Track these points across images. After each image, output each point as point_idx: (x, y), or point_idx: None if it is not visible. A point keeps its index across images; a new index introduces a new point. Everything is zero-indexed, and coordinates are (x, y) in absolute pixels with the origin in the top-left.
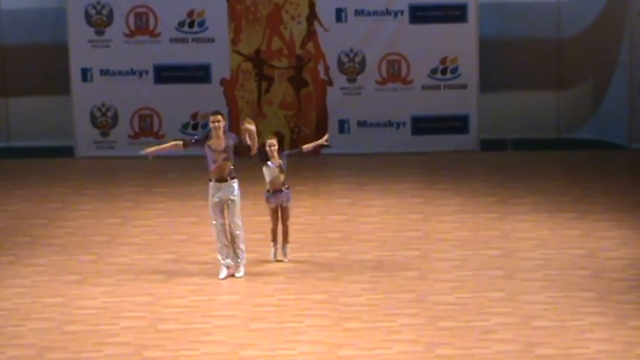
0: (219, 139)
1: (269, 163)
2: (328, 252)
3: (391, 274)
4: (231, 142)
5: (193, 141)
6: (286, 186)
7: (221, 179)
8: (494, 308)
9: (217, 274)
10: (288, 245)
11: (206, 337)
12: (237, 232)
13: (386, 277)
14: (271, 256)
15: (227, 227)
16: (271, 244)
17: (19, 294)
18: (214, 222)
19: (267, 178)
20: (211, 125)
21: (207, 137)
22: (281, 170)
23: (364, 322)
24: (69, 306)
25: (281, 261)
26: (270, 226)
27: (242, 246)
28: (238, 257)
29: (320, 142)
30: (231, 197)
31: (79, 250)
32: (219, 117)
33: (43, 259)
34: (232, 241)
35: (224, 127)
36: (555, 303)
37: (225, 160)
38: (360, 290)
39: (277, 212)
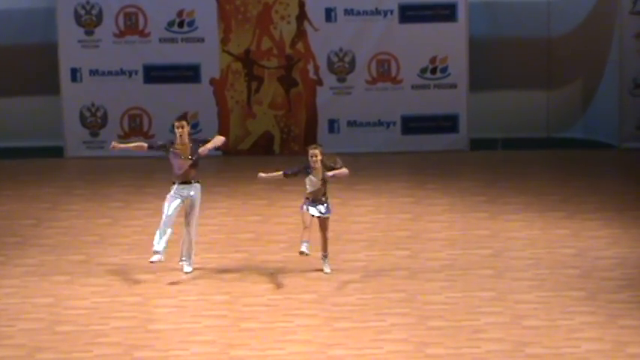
0: (185, 145)
1: (311, 177)
2: (318, 251)
3: (381, 273)
4: (197, 148)
5: (157, 146)
6: (326, 197)
7: (185, 182)
8: (484, 308)
9: (207, 275)
10: (327, 257)
11: (196, 337)
12: (193, 233)
13: (376, 276)
14: (304, 250)
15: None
16: (304, 242)
17: (8, 294)
18: (164, 213)
19: (309, 189)
20: (176, 131)
21: (172, 143)
22: (323, 183)
23: (354, 322)
24: (59, 306)
25: (324, 271)
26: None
27: (194, 242)
28: (191, 252)
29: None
30: (192, 193)
31: (69, 251)
32: (184, 122)
33: (33, 259)
34: (187, 238)
35: (188, 132)
36: (545, 302)
37: (192, 167)
38: (350, 290)
39: (312, 219)
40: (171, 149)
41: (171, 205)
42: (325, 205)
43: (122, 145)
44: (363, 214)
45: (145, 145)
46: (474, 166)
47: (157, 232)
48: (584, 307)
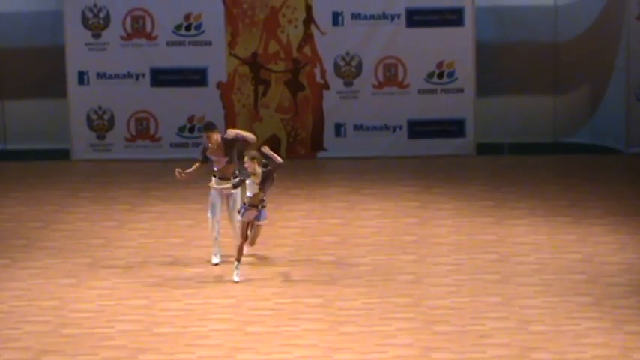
0: (218, 146)
1: (250, 181)
2: (324, 256)
3: (387, 278)
4: (230, 141)
5: (202, 156)
6: (264, 203)
7: (223, 177)
8: (490, 312)
9: (214, 278)
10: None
11: (202, 341)
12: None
13: (382, 281)
14: (234, 277)
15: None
16: (235, 263)
17: (15, 297)
18: (209, 215)
19: (248, 194)
20: (205, 141)
21: (207, 148)
22: (261, 188)
23: (360, 326)
24: (65, 309)
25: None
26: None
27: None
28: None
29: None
30: (232, 191)
31: (75, 253)
32: (209, 133)
33: (39, 261)
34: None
35: (217, 139)
36: (551, 307)
37: (229, 163)
38: (355, 294)
39: (247, 228)
40: (207, 153)
41: (215, 211)
42: (262, 211)
43: (187, 172)
44: (369, 218)
45: (199, 160)
46: (481, 170)
47: (213, 242)
48: (591, 313)
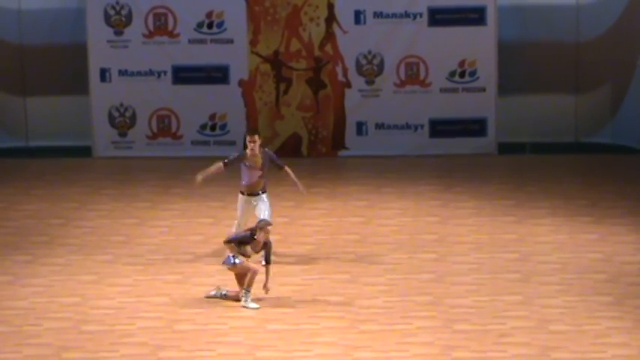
0: (256, 157)
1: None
2: (345, 254)
3: (408, 276)
4: (268, 160)
5: (231, 161)
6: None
7: (253, 193)
8: (510, 312)
9: (233, 277)
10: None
11: (222, 338)
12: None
13: (402, 279)
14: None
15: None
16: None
17: (36, 293)
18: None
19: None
20: (248, 145)
21: (243, 155)
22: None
23: (380, 325)
24: (85, 305)
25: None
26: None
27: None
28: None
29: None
30: (261, 206)
31: (96, 250)
32: (256, 137)
33: (60, 258)
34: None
35: (260, 145)
36: (572, 307)
37: (260, 177)
38: (376, 292)
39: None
40: (244, 161)
41: (241, 218)
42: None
43: (204, 176)
44: (390, 216)
45: (222, 164)
46: (502, 169)
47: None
48: (611, 313)
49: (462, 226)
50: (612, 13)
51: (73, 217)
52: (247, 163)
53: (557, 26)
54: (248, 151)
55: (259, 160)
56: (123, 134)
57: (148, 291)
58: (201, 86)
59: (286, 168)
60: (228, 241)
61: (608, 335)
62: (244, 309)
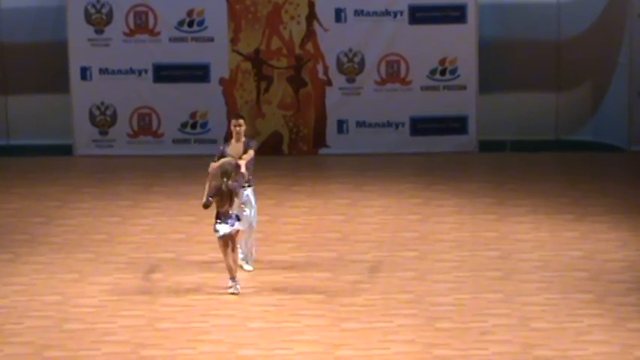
0: (239, 143)
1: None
2: (326, 252)
3: (389, 274)
4: (251, 148)
5: (216, 159)
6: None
7: None
8: (492, 309)
9: (215, 275)
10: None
11: (204, 337)
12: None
13: (384, 277)
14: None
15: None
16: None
17: (17, 292)
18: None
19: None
20: (232, 129)
21: (225, 141)
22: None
23: (362, 323)
24: (67, 304)
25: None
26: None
27: (254, 240)
28: (251, 251)
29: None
30: (245, 193)
31: (78, 249)
32: (241, 121)
33: (42, 257)
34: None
35: (245, 131)
36: (553, 305)
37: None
38: (357, 291)
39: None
40: (224, 149)
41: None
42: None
43: (207, 197)
44: (372, 214)
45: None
46: (483, 167)
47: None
48: (592, 310)
49: (443, 223)
50: (593, 11)
51: (54, 216)
52: (230, 153)
53: (538, 24)
54: (233, 137)
55: (241, 149)
56: (104, 133)
57: (129, 289)
58: (182, 84)
59: (250, 151)
60: (206, 203)
61: (590, 333)
62: (226, 307)
